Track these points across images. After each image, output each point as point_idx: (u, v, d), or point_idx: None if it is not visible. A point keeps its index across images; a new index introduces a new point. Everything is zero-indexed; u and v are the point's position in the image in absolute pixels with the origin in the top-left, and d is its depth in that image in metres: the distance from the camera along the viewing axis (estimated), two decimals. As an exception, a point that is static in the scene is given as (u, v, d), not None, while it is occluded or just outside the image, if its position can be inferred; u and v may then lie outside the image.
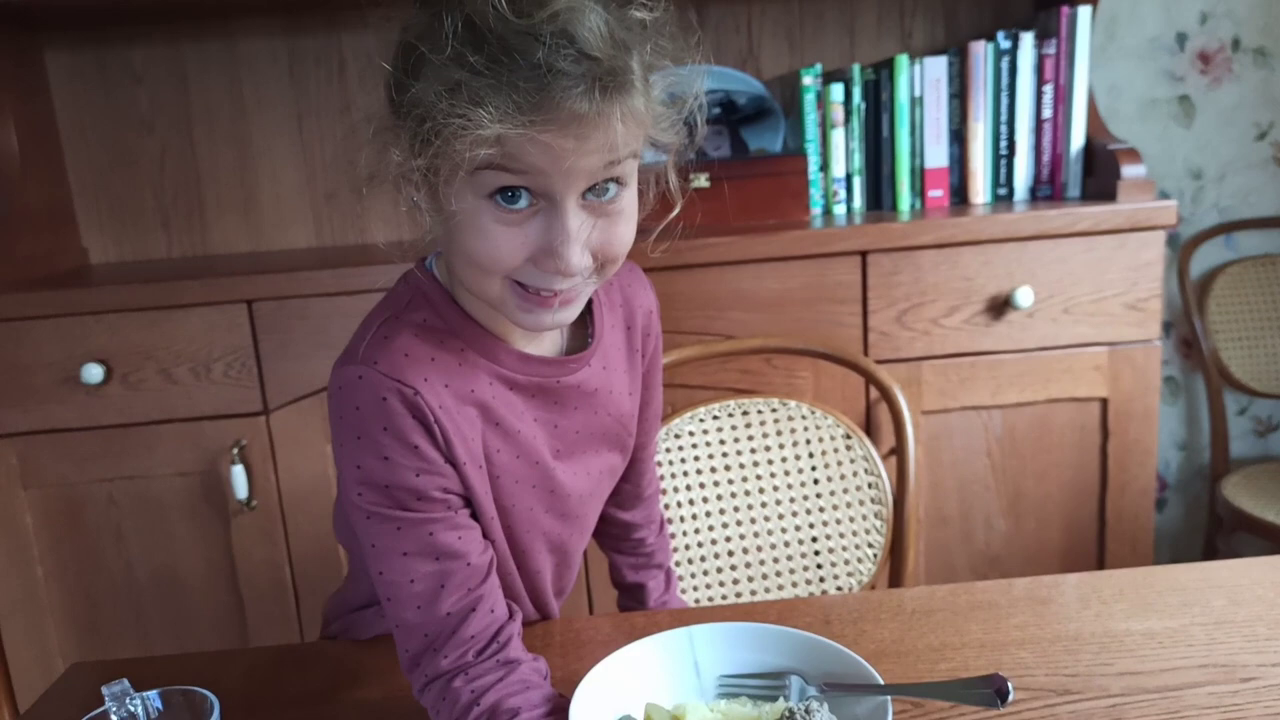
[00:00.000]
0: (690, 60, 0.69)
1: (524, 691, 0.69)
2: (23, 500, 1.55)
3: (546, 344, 0.80)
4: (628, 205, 0.69)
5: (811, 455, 1.23)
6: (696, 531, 1.23)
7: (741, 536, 1.23)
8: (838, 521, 1.22)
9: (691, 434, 1.25)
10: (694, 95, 0.70)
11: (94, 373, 1.49)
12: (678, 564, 1.22)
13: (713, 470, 1.24)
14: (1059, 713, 0.69)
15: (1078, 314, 1.58)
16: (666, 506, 1.22)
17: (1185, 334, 2.10)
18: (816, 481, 1.22)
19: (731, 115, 1.89)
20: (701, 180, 1.68)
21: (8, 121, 1.69)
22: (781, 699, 0.70)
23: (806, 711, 0.64)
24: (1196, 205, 2.05)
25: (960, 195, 1.77)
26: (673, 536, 1.21)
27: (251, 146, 1.89)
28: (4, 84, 1.69)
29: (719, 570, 1.22)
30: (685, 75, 0.69)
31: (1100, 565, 1.69)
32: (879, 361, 1.59)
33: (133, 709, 0.58)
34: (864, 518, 1.21)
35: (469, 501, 0.75)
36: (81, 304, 1.50)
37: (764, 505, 1.23)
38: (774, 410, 1.25)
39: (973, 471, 1.65)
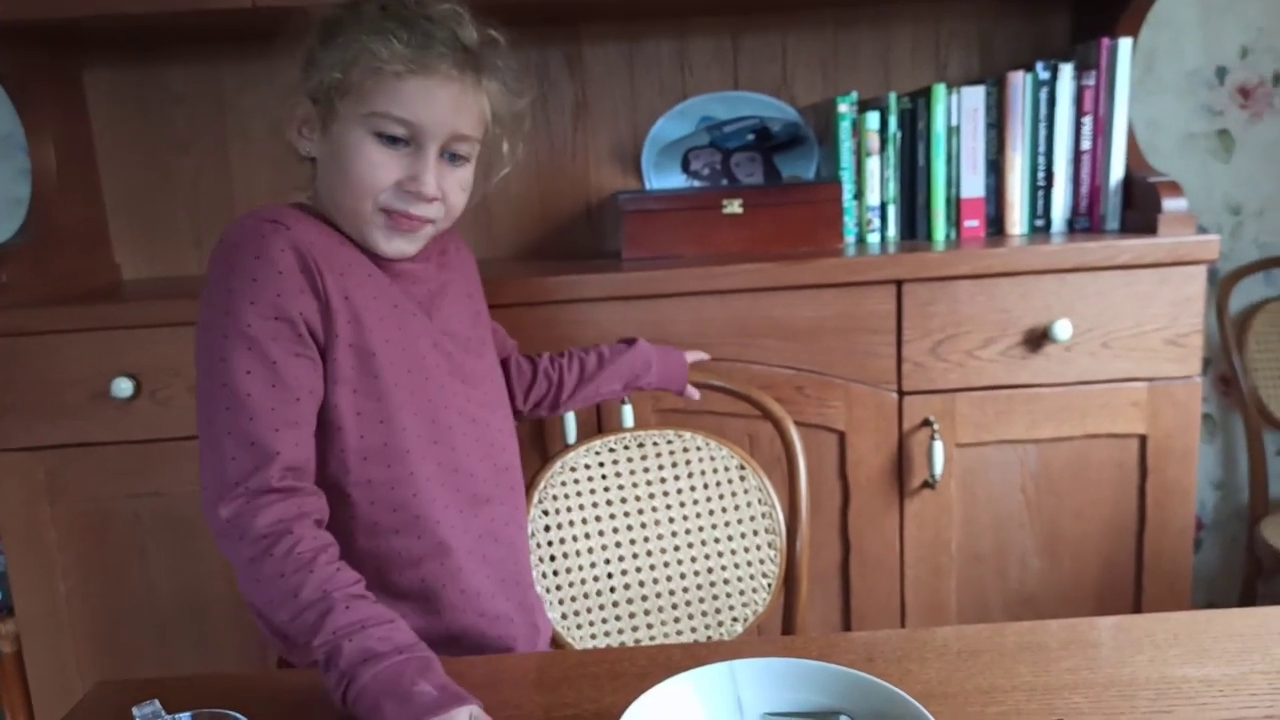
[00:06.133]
0: (525, 97, 1.00)
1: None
2: (48, 515, 1.54)
3: None
4: (465, 178, 0.96)
5: (706, 486, 1.26)
6: (593, 565, 1.22)
7: (638, 569, 1.23)
8: (733, 552, 1.24)
9: (588, 466, 1.25)
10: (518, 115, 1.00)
11: (123, 387, 1.49)
12: (573, 599, 1.22)
13: (609, 503, 1.25)
14: (1118, 762, 0.66)
15: (1117, 348, 1.55)
16: (565, 540, 1.23)
17: (1224, 371, 2.06)
18: (712, 513, 1.25)
19: (765, 143, 1.88)
20: (734, 207, 1.67)
21: (47, 140, 1.70)
22: (827, 739, 0.68)
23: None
24: (1235, 241, 2.02)
25: (996, 226, 1.75)
26: (573, 570, 1.23)
27: (286, 169, 1.89)
28: (44, 103, 1.70)
29: (615, 604, 1.22)
30: (516, 88, 0.98)
31: (1137, 606, 1.65)
32: (912, 393, 1.56)
33: (163, 732, 0.56)
34: (758, 547, 1.24)
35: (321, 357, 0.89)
36: (113, 319, 1.50)
37: (660, 537, 1.24)
38: (669, 442, 1.27)
39: (1007, 508, 1.61)
